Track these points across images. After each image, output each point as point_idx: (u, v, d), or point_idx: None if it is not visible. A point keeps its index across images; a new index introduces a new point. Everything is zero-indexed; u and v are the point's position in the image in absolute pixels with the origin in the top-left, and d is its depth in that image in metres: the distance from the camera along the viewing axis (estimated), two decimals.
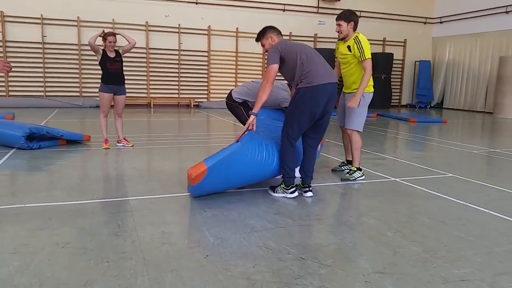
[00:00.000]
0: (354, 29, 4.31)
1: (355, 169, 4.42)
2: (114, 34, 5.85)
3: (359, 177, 4.39)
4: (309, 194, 3.78)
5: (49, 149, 5.75)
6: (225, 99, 4.83)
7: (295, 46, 3.75)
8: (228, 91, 4.82)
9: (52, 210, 3.25)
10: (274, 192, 3.77)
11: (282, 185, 3.74)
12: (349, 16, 4.28)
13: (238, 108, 4.67)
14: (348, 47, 4.29)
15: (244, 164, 3.57)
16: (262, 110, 3.99)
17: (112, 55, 5.82)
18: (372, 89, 4.41)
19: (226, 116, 10.59)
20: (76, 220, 3.03)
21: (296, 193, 3.72)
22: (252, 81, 4.80)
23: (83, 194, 3.69)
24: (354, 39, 4.27)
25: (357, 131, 4.40)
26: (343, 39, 4.36)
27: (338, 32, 4.34)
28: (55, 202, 3.47)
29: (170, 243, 2.66)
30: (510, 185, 4.38)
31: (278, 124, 4.04)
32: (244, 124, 4.47)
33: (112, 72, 5.83)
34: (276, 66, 3.62)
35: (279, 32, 3.88)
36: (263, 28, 3.91)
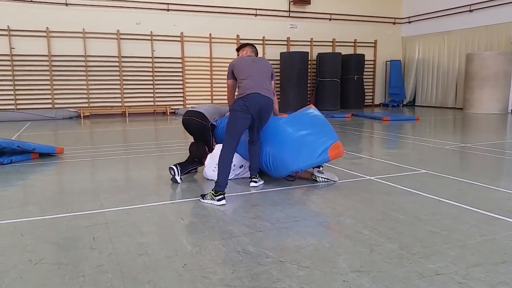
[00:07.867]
0: None
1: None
2: None
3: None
4: (252, 184, 4.14)
5: (21, 163, 5.60)
6: (190, 117, 4.74)
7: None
8: (191, 107, 4.87)
9: (25, 226, 3.17)
10: (203, 199, 3.71)
11: (211, 192, 3.68)
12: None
13: (208, 128, 4.66)
14: None
15: None
16: (289, 122, 4.33)
17: None
18: None
19: None
20: (49, 235, 2.96)
21: (223, 201, 3.62)
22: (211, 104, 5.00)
23: (57, 208, 3.61)
24: None
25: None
26: None
27: None
28: (28, 217, 3.38)
29: (147, 253, 2.63)
30: (480, 178, 4.52)
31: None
32: (209, 148, 4.64)
33: None
34: (229, 82, 4.14)
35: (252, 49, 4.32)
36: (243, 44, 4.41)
